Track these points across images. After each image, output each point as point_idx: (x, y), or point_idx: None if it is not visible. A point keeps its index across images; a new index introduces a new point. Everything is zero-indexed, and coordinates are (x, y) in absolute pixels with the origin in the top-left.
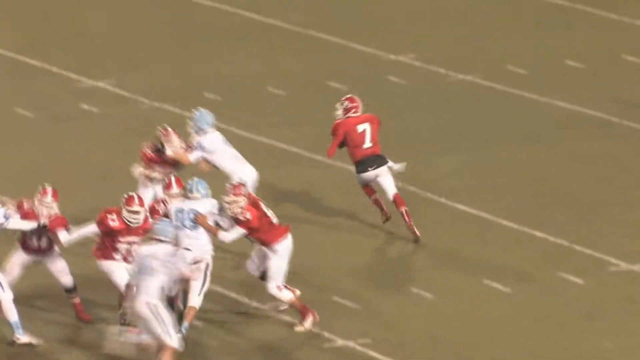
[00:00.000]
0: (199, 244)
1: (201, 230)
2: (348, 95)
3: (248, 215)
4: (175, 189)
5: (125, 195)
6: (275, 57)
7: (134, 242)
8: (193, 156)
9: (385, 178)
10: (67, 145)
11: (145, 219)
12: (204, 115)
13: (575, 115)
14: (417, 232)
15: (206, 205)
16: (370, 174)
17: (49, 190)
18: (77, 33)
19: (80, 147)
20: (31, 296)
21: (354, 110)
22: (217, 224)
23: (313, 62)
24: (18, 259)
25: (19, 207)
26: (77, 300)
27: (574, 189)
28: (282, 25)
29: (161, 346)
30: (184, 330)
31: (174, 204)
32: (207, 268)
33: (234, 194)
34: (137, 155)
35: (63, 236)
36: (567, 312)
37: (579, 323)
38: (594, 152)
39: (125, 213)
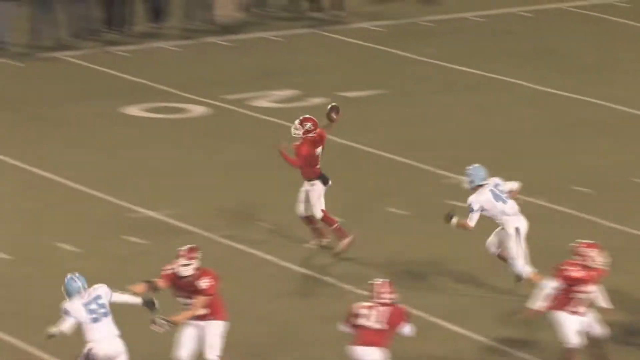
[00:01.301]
0: None
1: None
2: (307, 116)
3: None
4: None
5: (580, 242)
6: (638, 147)
7: (593, 292)
8: (473, 221)
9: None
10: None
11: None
12: (478, 170)
13: None
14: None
15: None
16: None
17: (191, 249)
18: (440, 133)
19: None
20: None
21: (313, 130)
22: None
23: None
24: (186, 332)
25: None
26: None
27: None
28: None
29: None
30: None
31: None
32: None
33: None
34: None
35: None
36: None
37: None
38: None
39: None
